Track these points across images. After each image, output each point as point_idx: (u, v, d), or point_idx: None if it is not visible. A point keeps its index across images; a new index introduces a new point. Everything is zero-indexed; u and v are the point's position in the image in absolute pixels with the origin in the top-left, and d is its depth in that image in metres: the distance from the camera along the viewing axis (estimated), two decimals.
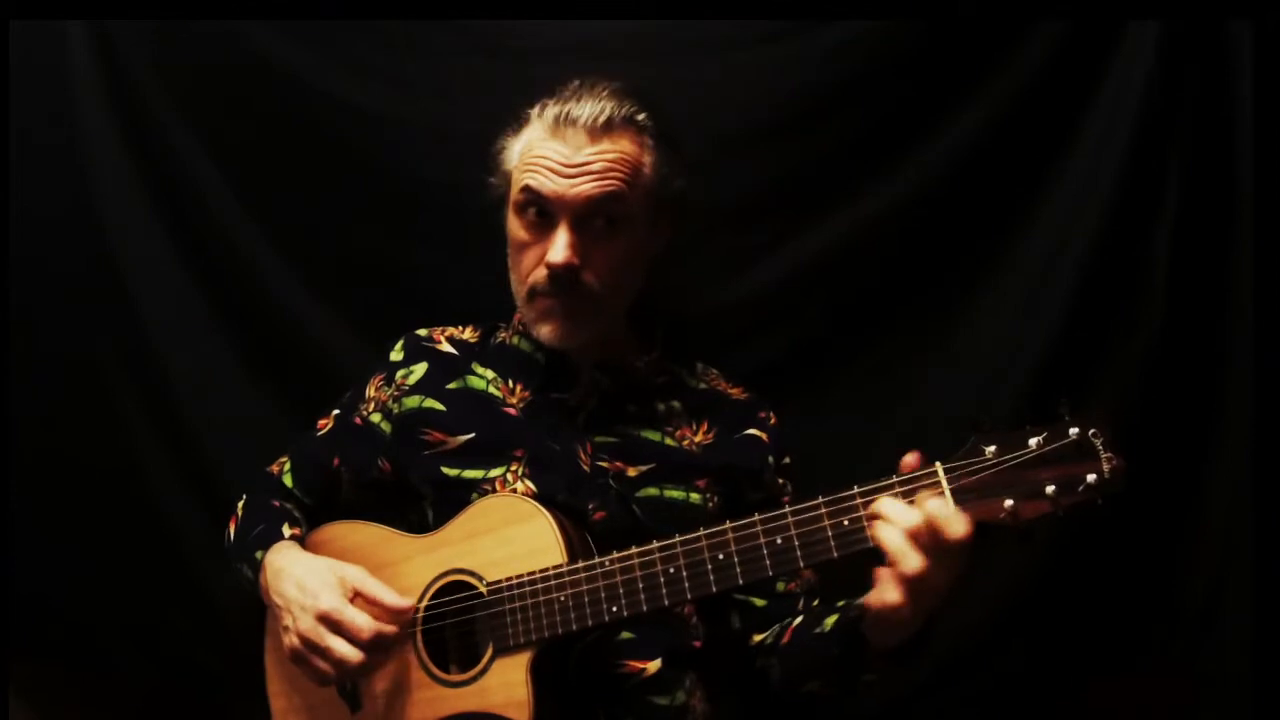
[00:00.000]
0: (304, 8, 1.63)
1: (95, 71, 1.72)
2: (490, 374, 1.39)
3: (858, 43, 1.55)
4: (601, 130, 1.26)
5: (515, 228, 1.31)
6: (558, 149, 1.26)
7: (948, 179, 1.56)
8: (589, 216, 1.27)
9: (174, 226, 1.74)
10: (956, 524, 0.99)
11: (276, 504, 1.44)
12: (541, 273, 1.28)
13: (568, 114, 1.26)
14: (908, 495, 1.03)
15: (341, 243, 1.71)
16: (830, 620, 1.24)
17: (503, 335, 1.45)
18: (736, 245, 1.61)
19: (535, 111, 1.32)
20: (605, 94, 1.28)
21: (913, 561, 1.00)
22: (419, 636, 1.25)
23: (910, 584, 1.01)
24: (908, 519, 1.01)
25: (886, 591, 1.03)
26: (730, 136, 1.58)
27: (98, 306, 1.75)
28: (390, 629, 1.19)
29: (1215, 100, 1.48)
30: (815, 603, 1.34)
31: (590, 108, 1.26)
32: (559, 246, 1.26)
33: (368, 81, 1.66)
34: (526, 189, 1.27)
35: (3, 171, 1.69)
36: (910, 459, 1.05)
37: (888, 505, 1.03)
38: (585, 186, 1.25)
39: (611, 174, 1.26)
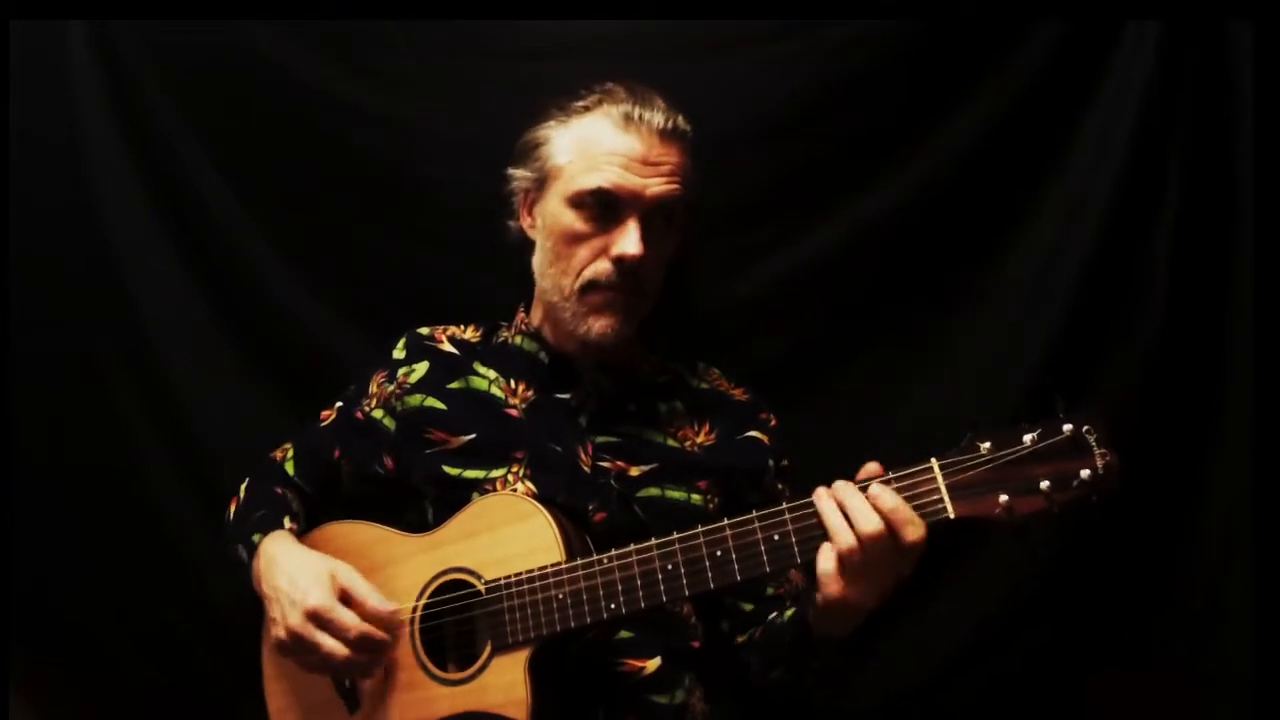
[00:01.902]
0: (304, 8, 1.63)
1: (95, 71, 1.72)
2: (492, 374, 1.39)
3: (858, 43, 1.55)
4: (668, 136, 1.29)
5: (570, 220, 1.30)
6: (632, 145, 1.27)
7: (948, 179, 1.56)
8: (653, 215, 1.28)
9: (174, 226, 1.74)
10: (912, 527, 1.02)
11: (279, 491, 1.43)
12: (604, 266, 1.28)
13: (640, 114, 1.28)
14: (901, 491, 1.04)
15: (341, 243, 1.71)
16: (790, 611, 1.28)
17: (505, 334, 1.44)
18: (736, 245, 1.61)
19: (589, 105, 1.32)
20: (662, 103, 1.30)
21: (846, 538, 1.03)
22: (417, 636, 1.25)
23: (844, 561, 1.04)
24: (855, 505, 1.04)
25: (824, 568, 1.05)
26: (730, 136, 1.58)
27: (98, 306, 1.75)
28: (378, 632, 1.19)
29: (1215, 100, 1.48)
30: None
31: (658, 113, 1.28)
32: (633, 239, 1.26)
33: (368, 81, 1.66)
34: (600, 189, 1.27)
35: (3, 171, 1.69)
36: (872, 466, 1.08)
37: (844, 490, 1.06)
38: (658, 187, 1.27)
39: (675, 178, 1.29)
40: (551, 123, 1.34)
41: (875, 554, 1.03)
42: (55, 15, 1.69)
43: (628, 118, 1.28)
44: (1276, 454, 1.36)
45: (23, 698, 1.70)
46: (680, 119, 1.31)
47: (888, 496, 1.04)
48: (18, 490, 1.72)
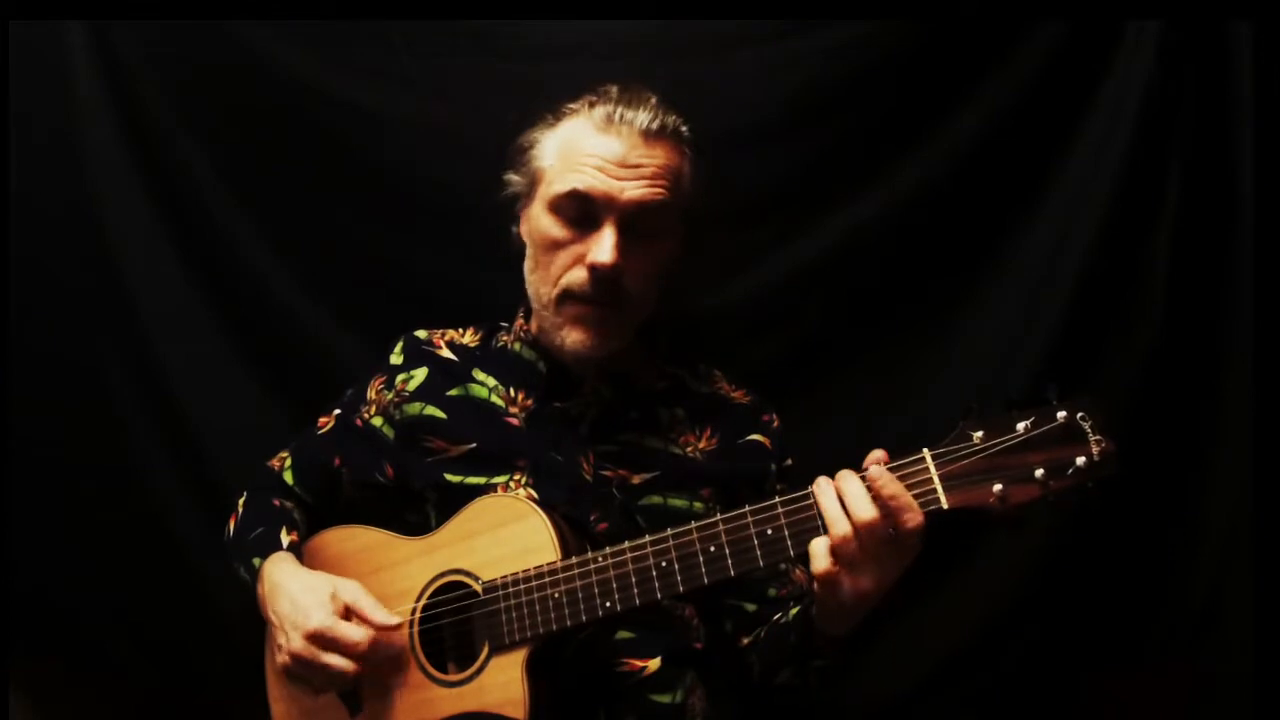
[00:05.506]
0: (304, 8, 1.62)
1: (95, 71, 1.71)
2: (491, 381, 1.37)
3: (858, 43, 1.55)
4: (654, 136, 1.25)
5: (548, 225, 1.27)
6: (610, 146, 1.24)
7: (948, 179, 1.56)
8: (633, 221, 1.25)
9: (174, 226, 1.74)
10: (911, 514, 1.00)
11: (277, 503, 1.43)
12: (580, 274, 1.25)
13: (621, 114, 1.24)
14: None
15: (342, 243, 1.71)
16: (794, 611, 1.26)
17: (504, 339, 1.43)
18: (736, 245, 1.61)
19: (577, 107, 1.29)
20: (653, 102, 1.27)
21: (842, 527, 1.01)
22: (416, 638, 1.25)
23: (838, 552, 1.02)
24: (853, 491, 1.02)
25: (818, 560, 1.04)
26: (731, 136, 1.58)
27: (98, 306, 1.74)
28: (387, 639, 1.19)
29: (1215, 100, 1.48)
30: None
31: (643, 112, 1.24)
32: (606, 247, 1.23)
33: (368, 81, 1.66)
34: (574, 191, 1.24)
35: (3, 171, 1.69)
36: (877, 454, 1.06)
37: (844, 477, 1.04)
38: (636, 190, 1.23)
39: (659, 181, 1.25)
40: (541, 125, 1.32)
41: (872, 542, 1.02)
42: (55, 15, 1.69)
43: (609, 118, 1.25)
44: (1276, 454, 1.36)
45: (23, 698, 1.70)
46: (671, 119, 1.27)
47: (888, 482, 1.02)
48: (18, 490, 1.72)
